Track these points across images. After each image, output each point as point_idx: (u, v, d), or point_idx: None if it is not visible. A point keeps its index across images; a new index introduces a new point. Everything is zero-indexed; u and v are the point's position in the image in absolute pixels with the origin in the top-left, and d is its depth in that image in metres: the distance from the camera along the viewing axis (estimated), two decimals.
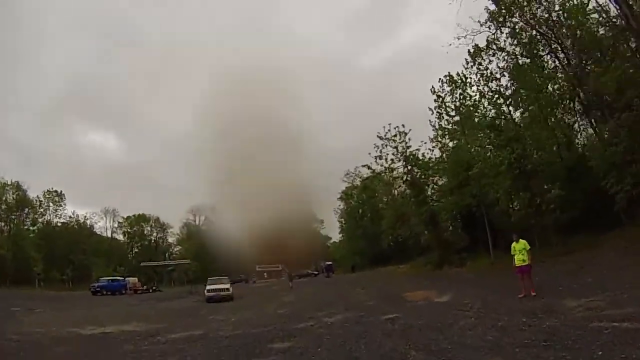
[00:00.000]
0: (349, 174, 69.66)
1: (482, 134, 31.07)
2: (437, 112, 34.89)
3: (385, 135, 38.39)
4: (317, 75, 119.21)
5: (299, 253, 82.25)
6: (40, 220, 70.83)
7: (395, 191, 62.49)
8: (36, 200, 70.59)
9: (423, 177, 38.93)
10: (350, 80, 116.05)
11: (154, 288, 50.84)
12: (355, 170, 69.21)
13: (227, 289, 28.14)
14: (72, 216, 73.45)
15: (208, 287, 28.47)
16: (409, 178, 38.20)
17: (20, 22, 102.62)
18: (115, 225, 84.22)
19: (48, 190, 72.54)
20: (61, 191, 73.00)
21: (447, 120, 35.04)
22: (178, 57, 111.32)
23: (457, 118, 35.09)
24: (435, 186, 40.11)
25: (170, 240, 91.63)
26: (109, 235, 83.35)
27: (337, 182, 70.72)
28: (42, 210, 71.62)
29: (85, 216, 76.36)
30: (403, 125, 38.19)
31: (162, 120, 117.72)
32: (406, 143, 37.95)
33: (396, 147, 37.74)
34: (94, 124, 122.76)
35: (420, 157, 38.68)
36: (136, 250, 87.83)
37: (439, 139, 40.75)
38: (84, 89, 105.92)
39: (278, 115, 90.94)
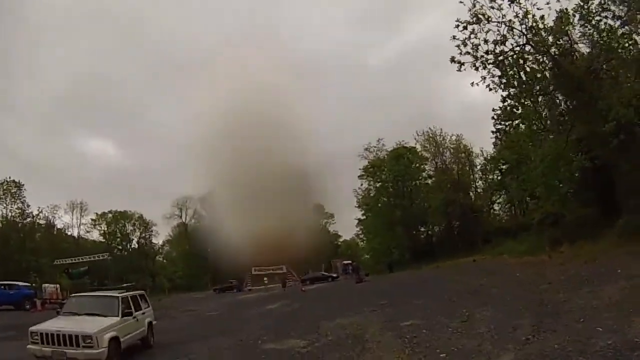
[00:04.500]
0: (370, 148, 48.10)
1: None
2: None
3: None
4: (321, 73, 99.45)
5: (306, 252, 63.13)
6: None
7: (449, 152, 42.20)
8: None
9: None
10: (356, 79, 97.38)
11: None
12: (378, 144, 47.90)
13: (88, 340, 7.10)
14: (21, 208, 51.51)
15: (34, 329, 7.55)
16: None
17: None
18: (86, 222, 62.68)
19: (5, 180, 51.26)
20: (19, 181, 51.90)
21: None
22: (176, 53, 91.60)
23: None
24: None
25: (154, 240, 69.81)
26: (76, 234, 61.71)
27: (345, 180, 52.30)
28: None
29: (40, 209, 54.39)
30: None
31: (151, 115, 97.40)
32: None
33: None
34: (84, 125, 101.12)
35: None
36: (117, 252, 65.19)
37: None
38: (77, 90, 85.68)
39: (280, 114, 73.43)
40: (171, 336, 11.99)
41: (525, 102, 22.37)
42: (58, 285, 31.46)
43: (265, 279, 45.75)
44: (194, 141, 67.49)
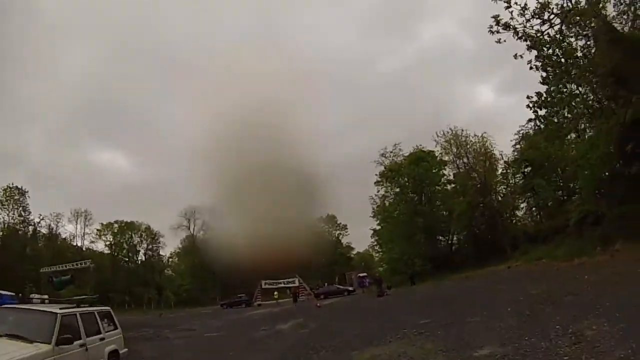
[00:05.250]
0: (385, 154, 44.63)
1: None
2: None
3: None
4: (329, 79, 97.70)
5: (318, 265, 61.18)
6: None
7: (471, 154, 38.94)
8: None
9: None
10: (364, 85, 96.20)
11: None
12: (394, 148, 44.49)
13: None
14: (22, 215, 49.72)
15: None
16: None
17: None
18: (90, 231, 60.18)
19: (8, 186, 50.17)
20: (22, 188, 50.77)
21: None
22: (184, 58, 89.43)
23: None
24: None
25: (162, 252, 67.23)
26: (79, 243, 59.22)
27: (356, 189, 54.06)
28: None
29: (41, 216, 52.66)
30: None
31: (158, 123, 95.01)
32: None
33: None
34: (91, 135, 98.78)
35: None
36: (124, 264, 62.61)
37: None
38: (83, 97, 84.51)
39: (288, 122, 72.00)
40: None
41: (563, 89, 20.56)
42: (47, 296, 28.68)
43: (275, 293, 42.46)
44: (199, 151, 65.52)
